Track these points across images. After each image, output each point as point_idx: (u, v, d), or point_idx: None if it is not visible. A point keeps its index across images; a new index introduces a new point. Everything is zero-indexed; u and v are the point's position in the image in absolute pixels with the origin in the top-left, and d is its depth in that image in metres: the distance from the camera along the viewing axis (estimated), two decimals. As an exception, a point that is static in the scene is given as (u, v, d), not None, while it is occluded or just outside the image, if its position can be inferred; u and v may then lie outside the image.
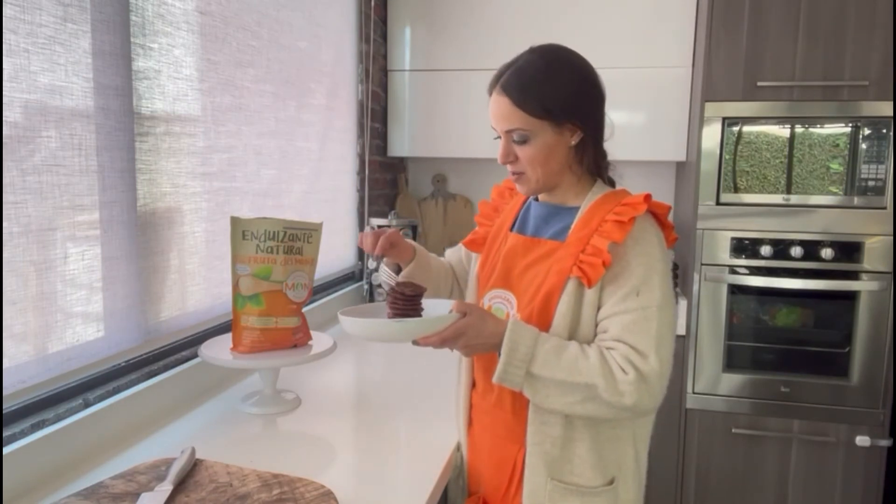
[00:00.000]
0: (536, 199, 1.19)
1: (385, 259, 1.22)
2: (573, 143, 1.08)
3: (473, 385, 1.21)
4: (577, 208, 1.11)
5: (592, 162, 1.12)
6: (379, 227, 1.39)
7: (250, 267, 1.35)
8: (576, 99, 1.07)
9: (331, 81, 2.23)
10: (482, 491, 1.19)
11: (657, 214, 1.08)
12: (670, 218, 1.10)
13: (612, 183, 1.18)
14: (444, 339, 1.00)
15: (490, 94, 1.10)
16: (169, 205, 1.42)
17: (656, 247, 1.04)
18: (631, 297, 1.01)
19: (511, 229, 1.20)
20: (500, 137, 1.11)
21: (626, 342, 0.99)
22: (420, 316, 1.09)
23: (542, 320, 1.06)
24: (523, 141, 1.07)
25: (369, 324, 1.07)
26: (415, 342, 1.02)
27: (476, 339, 1.01)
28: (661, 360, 0.99)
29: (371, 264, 2.34)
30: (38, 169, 1.09)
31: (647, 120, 2.44)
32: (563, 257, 1.06)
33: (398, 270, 1.25)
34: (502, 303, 1.13)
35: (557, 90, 1.05)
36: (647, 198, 1.04)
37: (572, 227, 1.08)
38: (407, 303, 1.08)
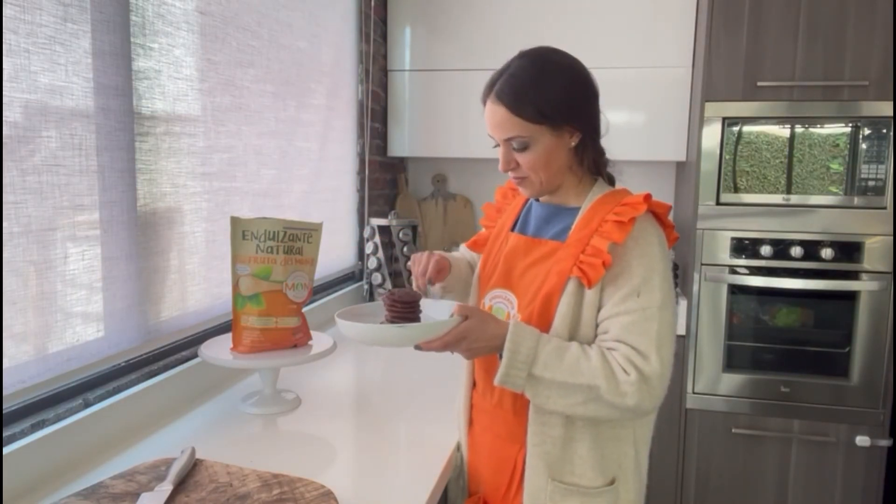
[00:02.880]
0: (537, 200, 1.19)
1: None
2: (573, 144, 1.08)
3: (474, 385, 1.21)
4: (577, 209, 1.10)
5: (592, 161, 1.12)
6: (420, 247, 1.40)
7: (250, 267, 1.35)
8: (571, 100, 1.06)
9: (331, 81, 2.23)
10: (482, 491, 1.19)
11: (658, 214, 1.08)
12: (670, 217, 1.10)
13: (611, 180, 1.17)
14: (447, 344, 1.00)
15: (484, 102, 1.09)
16: (169, 205, 1.42)
17: (656, 247, 1.04)
18: (631, 297, 1.00)
19: (512, 229, 1.20)
20: (498, 146, 1.10)
21: (627, 343, 0.99)
22: (419, 321, 1.08)
23: (543, 321, 1.05)
24: (523, 148, 1.06)
25: (371, 329, 1.05)
26: (417, 347, 1.02)
27: (477, 343, 1.01)
28: (662, 360, 0.99)
29: (372, 263, 2.36)
30: (38, 169, 1.09)
31: (647, 120, 2.44)
32: (563, 258, 1.06)
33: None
34: (503, 303, 1.13)
35: (552, 94, 1.04)
36: (647, 198, 1.04)
37: (573, 227, 1.08)
38: (405, 307, 1.07)
